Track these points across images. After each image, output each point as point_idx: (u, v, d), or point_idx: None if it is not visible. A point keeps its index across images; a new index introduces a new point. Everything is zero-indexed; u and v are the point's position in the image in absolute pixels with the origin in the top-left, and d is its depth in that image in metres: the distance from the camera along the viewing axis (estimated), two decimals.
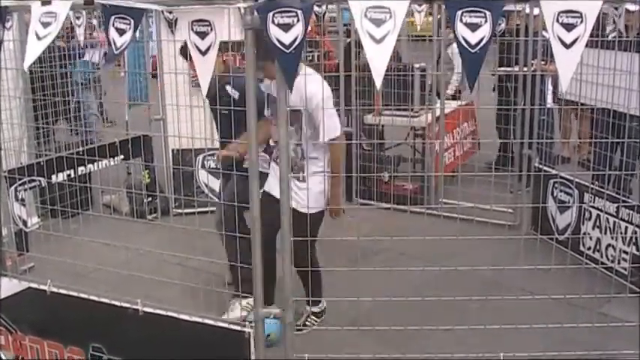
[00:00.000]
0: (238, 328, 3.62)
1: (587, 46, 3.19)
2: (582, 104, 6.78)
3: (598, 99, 6.19)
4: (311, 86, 4.37)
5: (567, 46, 3.09)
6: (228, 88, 5.14)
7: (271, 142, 5.02)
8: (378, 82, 3.08)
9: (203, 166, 7.86)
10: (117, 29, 3.40)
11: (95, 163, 7.26)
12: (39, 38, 3.51)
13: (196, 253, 5.48)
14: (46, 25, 3.51)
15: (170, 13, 6.80)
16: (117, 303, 3.92)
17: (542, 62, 7.41)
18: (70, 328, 4.12)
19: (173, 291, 5.01)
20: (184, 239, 6.12)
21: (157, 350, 3.89)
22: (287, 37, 3.15)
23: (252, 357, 3.60)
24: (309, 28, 8.27)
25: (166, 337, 3.84)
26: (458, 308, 5.13)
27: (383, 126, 8.37)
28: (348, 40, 8.24)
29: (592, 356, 4.03)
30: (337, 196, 5.09)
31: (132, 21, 3.40)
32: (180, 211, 7.67)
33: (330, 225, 6.11)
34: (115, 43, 3.43)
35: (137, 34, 7.48)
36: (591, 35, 3.15)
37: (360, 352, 4.69)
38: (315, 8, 7.76)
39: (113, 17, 3.42)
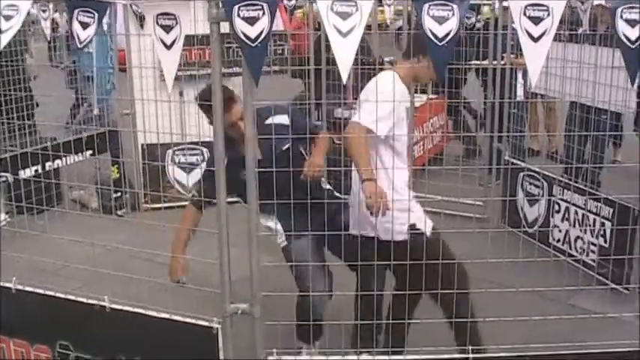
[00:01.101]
0: (206, 324, 3.59)
1: (555, 39, 3.20)
2: (550, 98, 6.82)
3: (567, 92, 6.23)
4: None
5: (535, 40, 3.09)
6: (271, 119, 4.56)
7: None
8: (344, 75, 3.08)
9: (173, 161, 7.81)
10: (80, 23, 3.36)
11: (63, 159, 7.19)
12: (0, 32, 3.45)
13: (166, 248, 5.45)
14: (8, 18, 3.45)
15: (138, 7, 6.75)
16: (84, 300, 3.88)
17: (513, 55, 7.45)
18: (37, 326, 4.07)
19: (142, 287, 4.96)
20: (154, 235, 6.07)
21: (124, 347, 3.85)
22: (253, 31, 3.12)
23: (221, 353, 3.57)
24: (292, 22, 8.29)
25: (134, 334, 3.80)
26: (425, 301, 5.13)
27: None
28: (318, 33, 8.22)
29: (561, 348, 4.04)
30: None
31: (96, 14, 3.36)
32: (149, 206, 7.62)
33: None
34: (78, 37, 3.38)
35: (105, 27, 7.47)
36: (560, 29, 3.16)
37: (331, 346, 4.68)
38: (286, 2, 7.74)
39: (77, 10, 3.37)
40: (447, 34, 3.11)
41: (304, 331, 4.61)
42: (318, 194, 4.45)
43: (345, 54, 3.06)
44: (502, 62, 7.30)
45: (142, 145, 7.81)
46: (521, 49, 3.28)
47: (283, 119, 4.58)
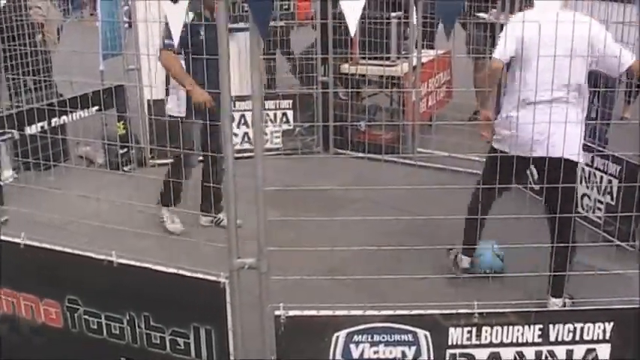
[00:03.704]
0: (213, 278, 3.61)
1: None
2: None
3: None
4: None
5: None
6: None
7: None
8: (352, 29, 3.04)
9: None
10: None
11: (69, 115, 7.17)
12: None
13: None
14: None
15: None
16: (92, 255, 3.90)
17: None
18: (46, 281, 4.09)
19: (149, 242, 5.00)
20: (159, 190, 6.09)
21: (132, 302, 3.88)
22: None
23: (228, 308, 3.60)
24: None
25: (142, 289, 3.82)
26: (432, 257, 5.16)
27: (364, 75, 8.31)
28: None
29: (564, 304, 4.08)
30: None
31: None
32: (156, 162, 7.63)
33: (306, 174, 6.12)
34: None
35: None
36: None
37: (336, 301, 4.72)
38: None
39: None
40: None
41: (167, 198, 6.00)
42: None
43: (352, 8, 3.02)
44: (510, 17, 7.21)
45: (148, 100, 7.78)
46: (529, 3, 3.24)
47: None
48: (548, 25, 4.01)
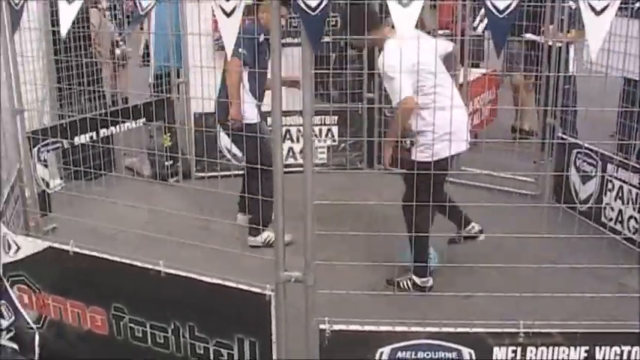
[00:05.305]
0: (259, 290, 3.63)
1: (615, 14, 3.14)
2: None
3: (625, 69, 6.11)
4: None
5: (597, 13, 3.03)
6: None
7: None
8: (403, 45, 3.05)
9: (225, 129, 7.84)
10: None
11: (117, 125, 7.28)
12: (69, 2, 3.51)
13: (218, 216, 5.51)
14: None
15: None
16: (139, 264, 3.95)
17: (569, 33, 7.32)
18: (93, 289, 4.16)
19: (195, 253, 5.04)
20: (206, 202, 6.15)
21: (178, 311, 3.92)
22: (313, 1, 3.12)
23: (273, 320, 3.62)
24: None
25: (188, 299, 3.87)
26: (478, 276, 5.13)
27: None
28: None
29: (612, 327, 4.02)
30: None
31: None
32: (202, 174, 7.69)
33: (351, 189, 6.10)
34: (140, 4, 3.42)
35: None
36: (620, 3, 3.08)
37: (380, 316, 4.72)
38: None
39: None
40: (508, 7, 3.07)
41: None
42: None
43: (404, 25, 3.04)
44: (561, 35, 7.16)
45: (195, 114, 7.84)
46: (574, 24, 3.22)
47: None
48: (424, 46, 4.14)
